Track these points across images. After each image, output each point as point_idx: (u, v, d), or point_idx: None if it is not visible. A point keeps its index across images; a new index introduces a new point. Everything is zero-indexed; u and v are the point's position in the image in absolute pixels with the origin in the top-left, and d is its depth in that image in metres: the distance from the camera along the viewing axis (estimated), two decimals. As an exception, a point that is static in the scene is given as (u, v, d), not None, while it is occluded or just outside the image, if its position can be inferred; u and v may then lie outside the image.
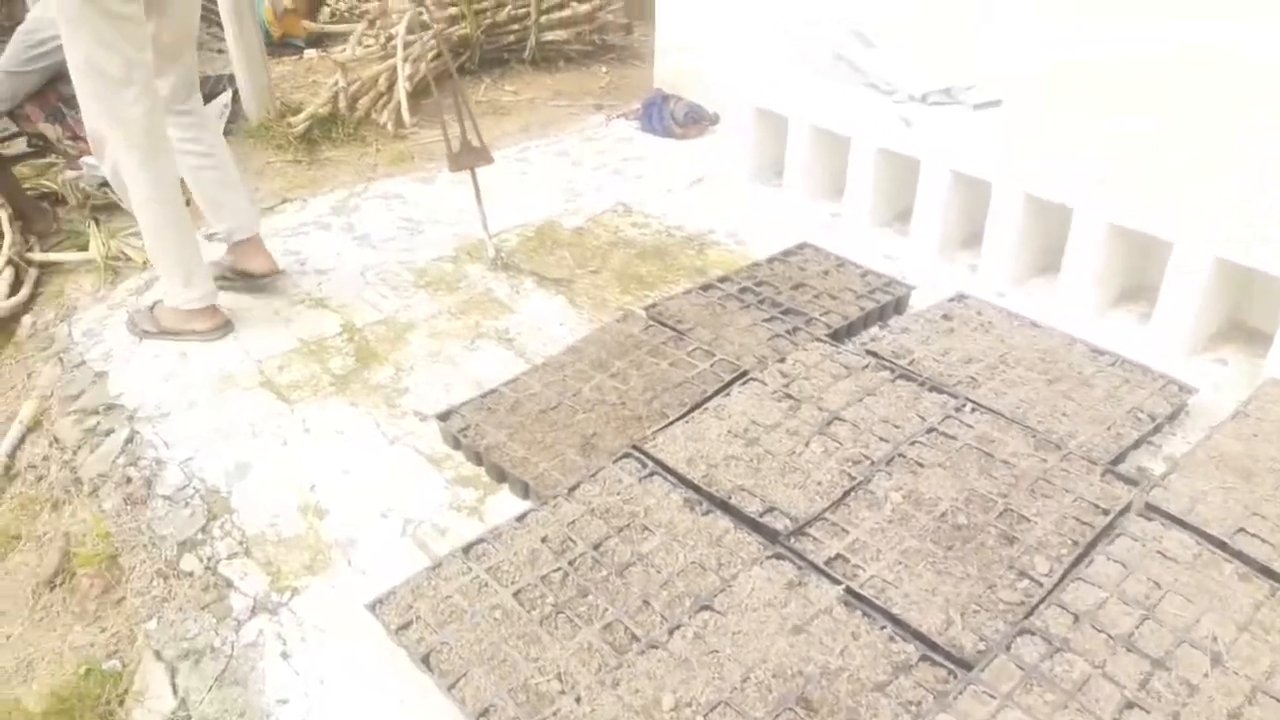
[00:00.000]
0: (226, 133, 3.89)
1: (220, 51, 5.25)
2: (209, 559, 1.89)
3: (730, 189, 3.34)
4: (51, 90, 3.38)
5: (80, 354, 2.57)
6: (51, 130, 3.55)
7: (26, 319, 2.79)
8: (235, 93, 4.09)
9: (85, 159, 3.37)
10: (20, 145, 3.77)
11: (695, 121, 3.75)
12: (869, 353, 2.33)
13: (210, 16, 5.66)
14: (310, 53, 4.95)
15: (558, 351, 2.46)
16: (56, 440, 2.33)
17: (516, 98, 4.49)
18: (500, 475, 2.04)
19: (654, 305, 2.55)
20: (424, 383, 2.40)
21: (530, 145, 3.80)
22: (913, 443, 1.98)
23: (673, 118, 3.75)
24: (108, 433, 2.28)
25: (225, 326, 2.60)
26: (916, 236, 2.92)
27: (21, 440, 2.36)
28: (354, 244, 3.05)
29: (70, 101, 3.41)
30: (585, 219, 3.19)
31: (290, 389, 2.38)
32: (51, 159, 3.62)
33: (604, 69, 4.86)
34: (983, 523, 1.78)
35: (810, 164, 3.14)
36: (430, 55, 4.37)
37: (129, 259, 2.98)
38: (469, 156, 2.90)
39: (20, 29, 3.57)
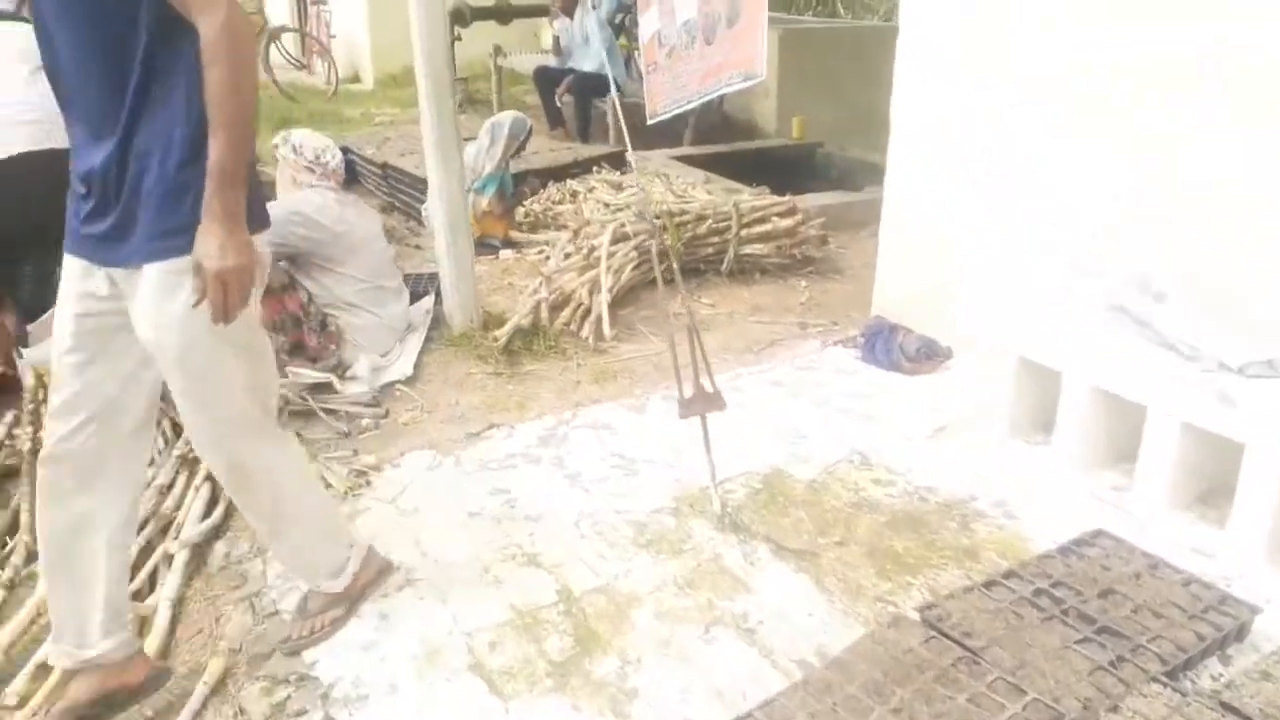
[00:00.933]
0: (427, 338, 3.82)
1: (418, 247, 5.34)
2: None
3: (983, 444, 2.93)
4: (289, 295, 3.36)
5: (274, 600, 2.33)
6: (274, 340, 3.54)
7: (219, 546, 2.59)
8: (438, 293, 4.04)
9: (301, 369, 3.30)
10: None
11: (928, 357, 3.41)
12: (1225, 706, 1.82)
13: (407, 209, 5.89)
14: (506, 253, 4.96)
15: (811, 653, 2.07)
16: (242, 712, 2.04)
17: (714, 311, 4.29)
18: None
19: (932, 607, 2.12)
20: (655, 684, 2.02)
21: (741, 372, 3.53)
22: None
23: (902, 351, 3.42)
24: (299, 714, 1.99)
25: (389, 563, 2.37)
26: (1235, 530, 2.41)
27: (203, 706, 2.08)
28: (565, 483, 2.78)
29: (306, 309, 3.40)
30: (818, 470, 2.83)
31: (503, 677, 2.04)
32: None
33: (803, 283, 4.64)
34: None
35: (1088, 427, 2.72)
36: (630, 266, 4.28)
37: (329, 485, 2.79)
38: (701, 403, 2.63)
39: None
